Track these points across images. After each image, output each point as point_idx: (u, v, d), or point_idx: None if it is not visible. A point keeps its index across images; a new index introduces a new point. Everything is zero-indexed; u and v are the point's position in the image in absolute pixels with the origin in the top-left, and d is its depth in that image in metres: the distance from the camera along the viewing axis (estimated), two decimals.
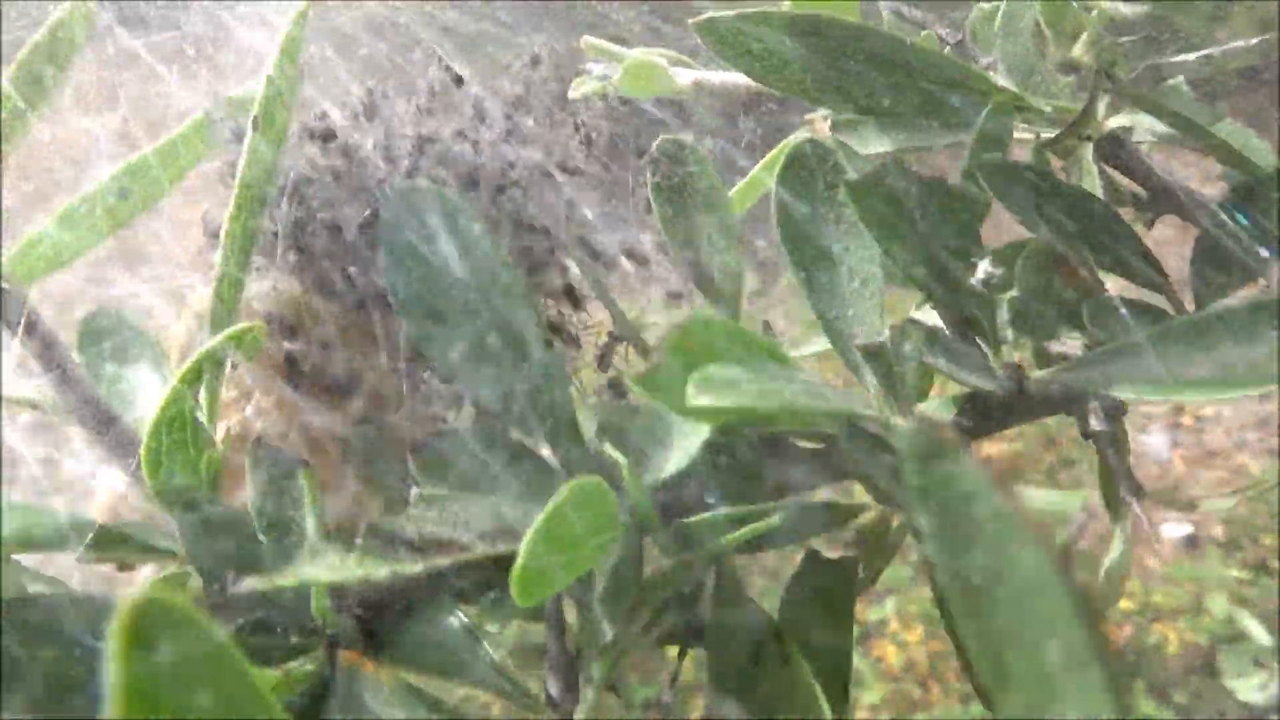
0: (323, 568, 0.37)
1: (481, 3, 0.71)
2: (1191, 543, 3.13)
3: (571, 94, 0.75)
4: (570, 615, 0.48)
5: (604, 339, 0.59)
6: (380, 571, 0.37)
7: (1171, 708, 2.64)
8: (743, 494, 0.45)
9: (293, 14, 0.48)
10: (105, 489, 0.57)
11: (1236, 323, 0.43)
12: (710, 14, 0.54)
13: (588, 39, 0.73)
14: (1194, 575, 3.01)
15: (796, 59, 0.54)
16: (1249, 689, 2.62)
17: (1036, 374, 0.51)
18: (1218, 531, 3.14)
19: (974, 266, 0.44)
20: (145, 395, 0.56)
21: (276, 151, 0.48)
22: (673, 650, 0.52)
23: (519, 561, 0.34)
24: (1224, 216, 0.49)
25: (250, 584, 0.35)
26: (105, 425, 0.51)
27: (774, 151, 0.52)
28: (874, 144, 0.61)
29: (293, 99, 0.49)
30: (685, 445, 0.45)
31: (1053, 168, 0.55)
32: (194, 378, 0.45)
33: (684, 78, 0.72)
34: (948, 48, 0.63)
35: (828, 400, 0.38)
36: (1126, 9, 0.59)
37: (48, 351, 0.51)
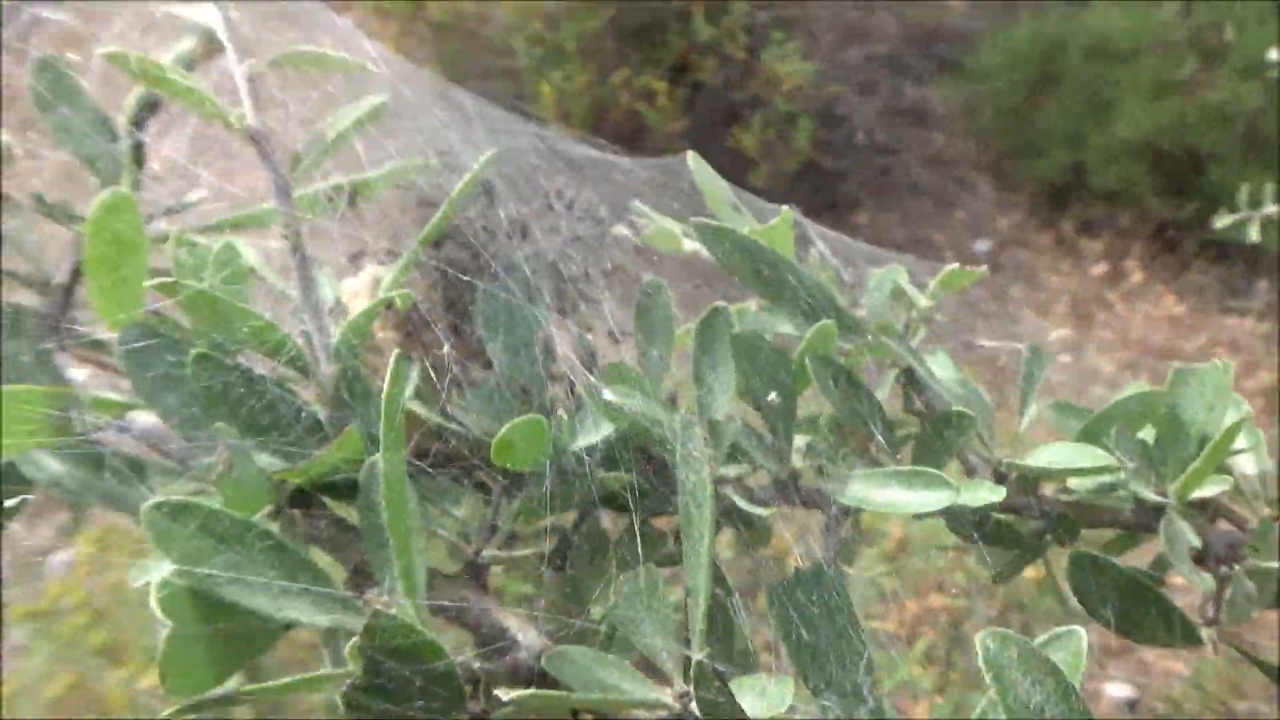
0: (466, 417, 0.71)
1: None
2: (1132, 708, 3.16)
3: (614, 230, 1.10)
4: None
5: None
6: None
7: None
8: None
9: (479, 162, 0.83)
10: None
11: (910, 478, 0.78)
12: (704, 220, 0.88)
13: (637, 204, 1.08)
14: None
15: (735, 262, 0.88)
16: None
17: (807, 477, 0.85)
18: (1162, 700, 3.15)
19: (778, 399, 0.79)
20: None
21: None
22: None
23: (498, 438, 0.68)
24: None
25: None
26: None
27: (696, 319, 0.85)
28: (781, 325, 0.95)
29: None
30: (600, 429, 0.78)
31: (857, 369, 0.89)
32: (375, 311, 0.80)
33: (689, 245, 1.07)
34: (843, 285, 0.99)
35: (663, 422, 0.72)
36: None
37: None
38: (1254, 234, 3.10)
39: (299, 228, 0.81)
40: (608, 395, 0.68)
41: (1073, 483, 0.89)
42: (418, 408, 0.73)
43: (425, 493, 0.75)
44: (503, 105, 1.21)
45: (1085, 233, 6.14)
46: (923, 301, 0.88)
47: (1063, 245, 6.16)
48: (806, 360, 0.81)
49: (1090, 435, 0.90)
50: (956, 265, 0.94)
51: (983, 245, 6.15)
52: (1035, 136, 6.12)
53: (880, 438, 0.83)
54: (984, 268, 0.94)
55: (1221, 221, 3.18)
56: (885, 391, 0.88)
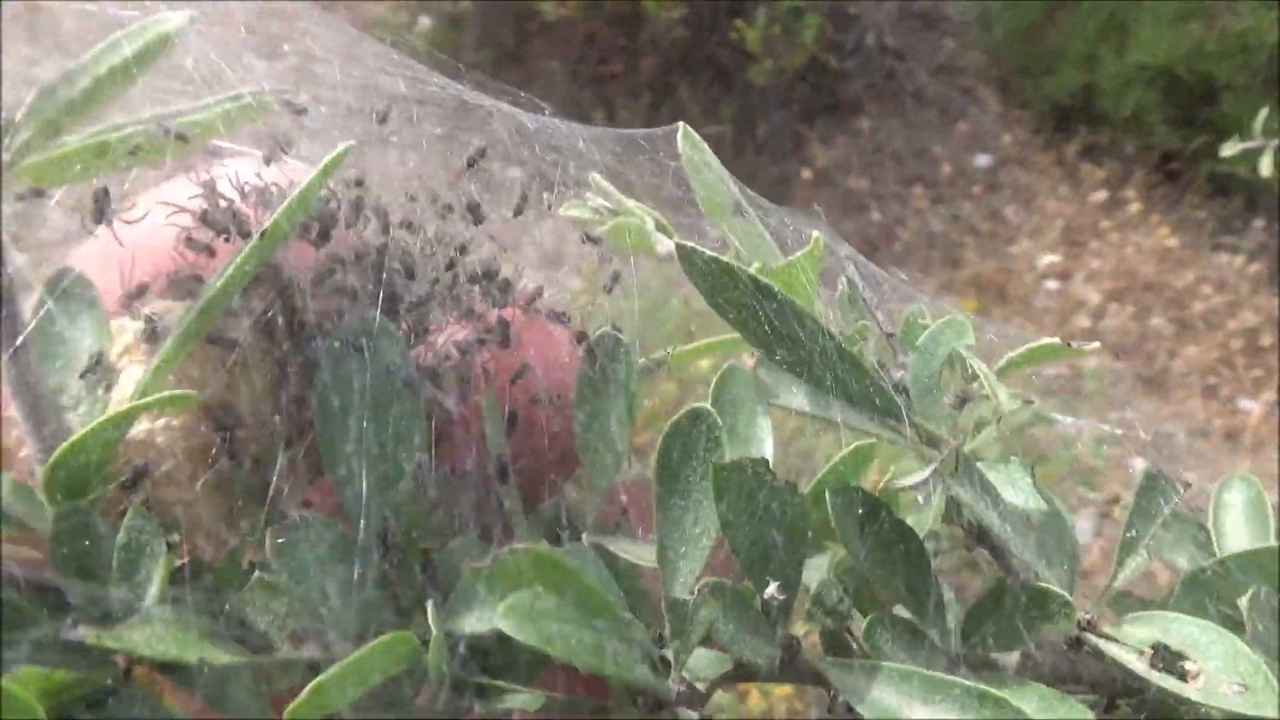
0: (144, 637, 0.41)
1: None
2: None
3: (561, 211, 0.79)
4: None
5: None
6: (190, 656, 0.42)
7: None
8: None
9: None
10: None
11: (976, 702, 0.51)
12: (693, 247, 0.59)
13: (596, 177, 0.77)
14: None
15: (730, 307, 0.59)
16: None
17: (807, 654, 0.57)
18: None
19: (777, 593, 0.51)
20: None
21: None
22: None
23: (298, 700, 0.40)
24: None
25: (79, 633, 0.40)
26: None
27: (670, 421, 0.57)
28: (784, 395, 0.66)
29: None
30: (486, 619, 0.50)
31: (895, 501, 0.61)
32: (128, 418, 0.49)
33: (663, 245, 0.76)
34: (880, 335, 0.69)
35: (600, 659, 0.44)
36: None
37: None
38: (1266, 167, 2.79)
39: None
40: (503, 622, 0.40)
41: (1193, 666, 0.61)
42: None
43: None
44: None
45: (1088, 157, 5.83)
46: (1003, 396, 0.59)
47: (1063, 168, 5.85)
48: (828, 497, 0.53)
49: (1197, 589, 0.63)
50: (1055, 339, 0.65)
51: (983, 160, 5.83)
52: (1048, 53, 5.77)
53: (929, 614, 0.56)
54: (1096, 344, 0.65)
55: (1230, 149, 2.86)
56: (926, 524, 0.60)
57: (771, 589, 0.51)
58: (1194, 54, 5.43)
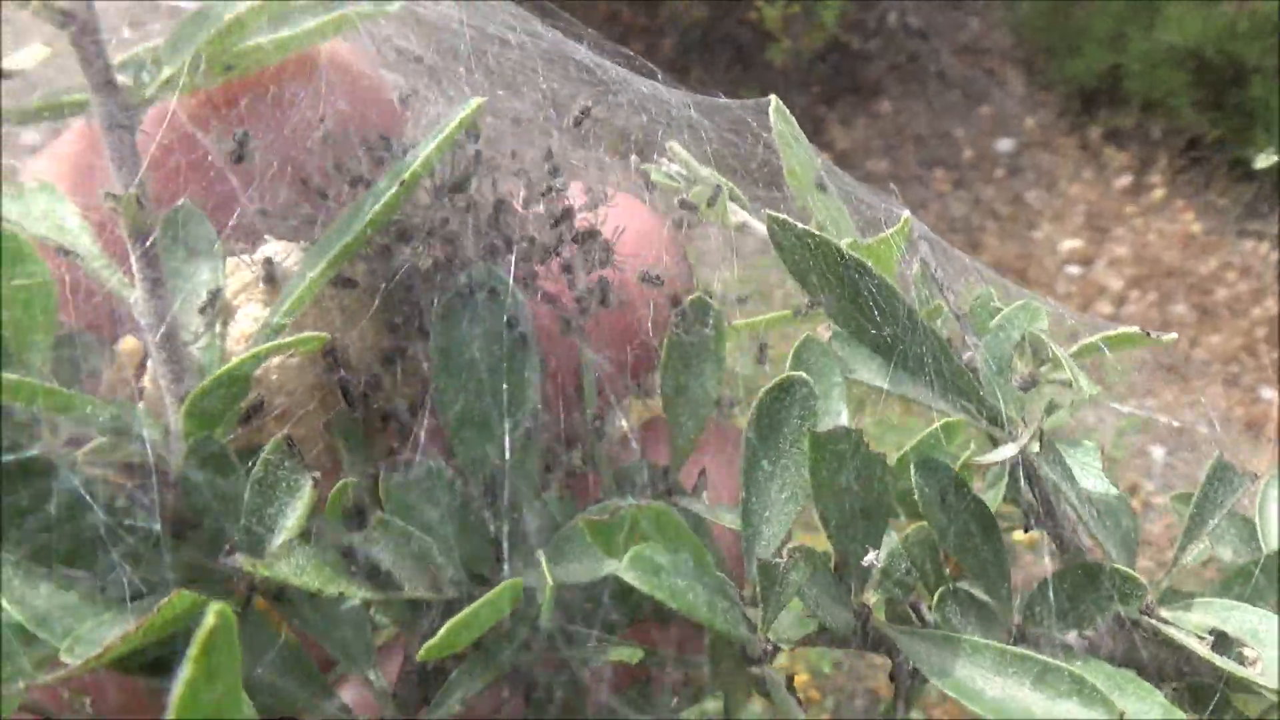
0: (291, 569, 0.42)
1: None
2: None
3: (644, 168, 0.79)
4: None
5: None
6: (331, 589, 0.42)
7: None
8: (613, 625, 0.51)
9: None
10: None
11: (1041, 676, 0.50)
12: (784, 219, 0.57)
13: (674, 145, 0.76)
14: None
15: (815, 278, 0.58)
16: None
17: (879, 621, 0.57)
18: None
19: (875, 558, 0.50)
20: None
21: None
22: None
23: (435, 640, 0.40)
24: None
25: (236, 560, 0.40)
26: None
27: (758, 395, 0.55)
28: (860, 369, 0.65)
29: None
30: (591, 569, 0.50)
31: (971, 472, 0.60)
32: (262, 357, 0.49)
33: (738, 215, 0.76)
34: (951, 314, 0.68)
35: (714, 614, 0.43)
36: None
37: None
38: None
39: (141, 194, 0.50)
40: (627, 574, 0.39)
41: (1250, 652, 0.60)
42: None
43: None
44: None
45: (1113, 141, 5.77)
46: (1084, 382, 0.58)
47: (1087, 152, 5.79)
48: (913, 470, 0.52)
49: (1243, 581, 0.62)
50: (1135, 328, 0.63)
51: (1006, 144, 5.78)
52: (1074, 33, 5.70)
53: (1000, 590, 0.55)
54: (1173, 335, 0.64)
55: (1264, 161, 2.84)
56: (996, 501, 0.59)
57: (870, 556, 0.50)
58: (1224, 34, 5.36)
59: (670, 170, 0.79)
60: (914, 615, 0.64)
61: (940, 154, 5.75)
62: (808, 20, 5.30)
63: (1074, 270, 5.42)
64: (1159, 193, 5.60)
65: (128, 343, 0.58)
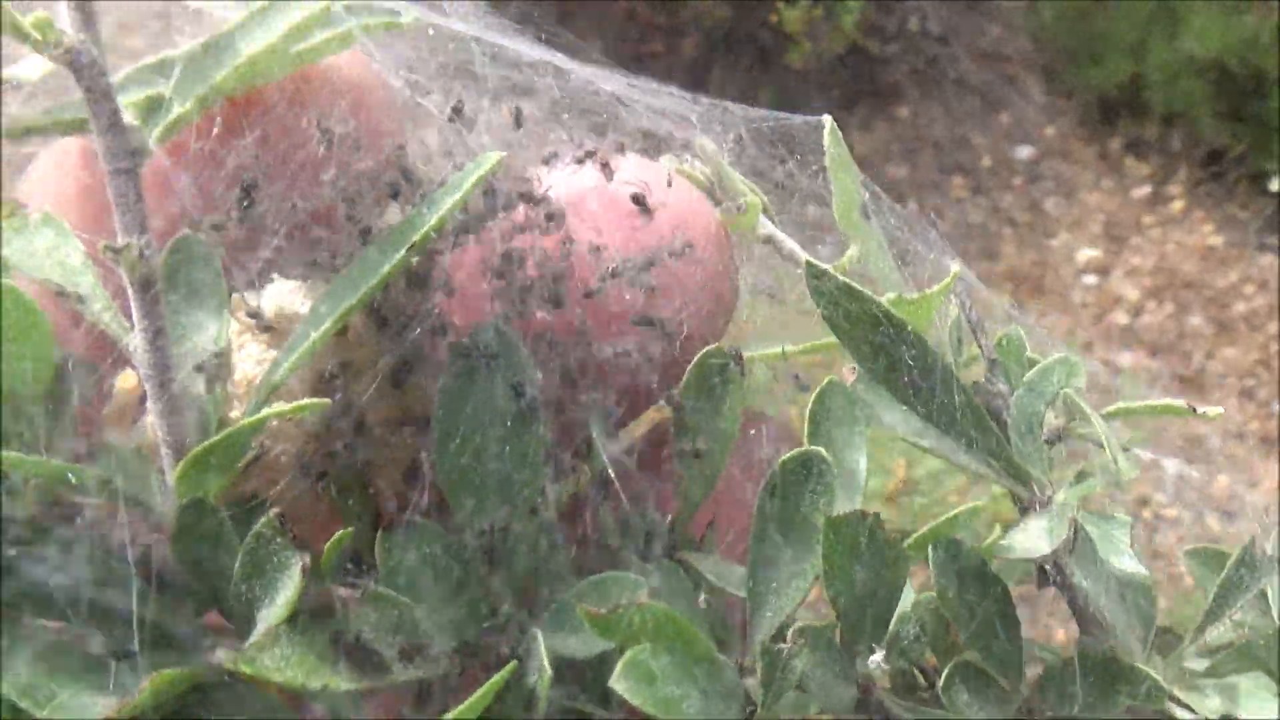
0: (274, 662, 0.41)
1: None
2: None
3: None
4: None
5: None
6: (315, 682, 0.40)
7: None
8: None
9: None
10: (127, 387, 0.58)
11: None
12: (824, 269, 0.55)
13: (703, 142, 0.74)
14: None
15: (848, 328, 0.56)
16: None
17: (884, 694, 0.55)
18: None
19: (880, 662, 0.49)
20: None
21: None
22: None
23: None
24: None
25: (219, 656, 0.39)
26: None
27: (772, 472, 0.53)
28: (886, 414, 0.63)
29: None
30: (589, 646, 0.49)
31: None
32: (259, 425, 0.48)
33: (766, 228, 0.73)
34: (984, 359, 0.66)
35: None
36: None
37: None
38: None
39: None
40: (619, 685, 0.38)
41: None
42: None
43: None
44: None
45: (1132, 151, 5.73)
46: (1124, 463, 0.55)
47: (1106, 162, 5.75)
48: (930, 550, 0.50)
49: (1253, 655, 0.60)
50: (1181, 401, 0.61)
51: (1024, 152, 5.75)
52: (1096, 41, 5.65)
53: (1011, 671, 0.53)
54: (1219, 409, 0.62)
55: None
56: (1013, 573, 0.57)
57: (877, 657, 0.49)
58: (1247, 45, 5.31)
59: (698, 169, 0.76)
60: (921, 678, 0.63)
61: (959, 160, 5.71)
62: (829, 24, 5.28)
63: (1090, 280, 5.38)
64: (1178, 204, 5.56)
65: (126, 378, 0.57)
